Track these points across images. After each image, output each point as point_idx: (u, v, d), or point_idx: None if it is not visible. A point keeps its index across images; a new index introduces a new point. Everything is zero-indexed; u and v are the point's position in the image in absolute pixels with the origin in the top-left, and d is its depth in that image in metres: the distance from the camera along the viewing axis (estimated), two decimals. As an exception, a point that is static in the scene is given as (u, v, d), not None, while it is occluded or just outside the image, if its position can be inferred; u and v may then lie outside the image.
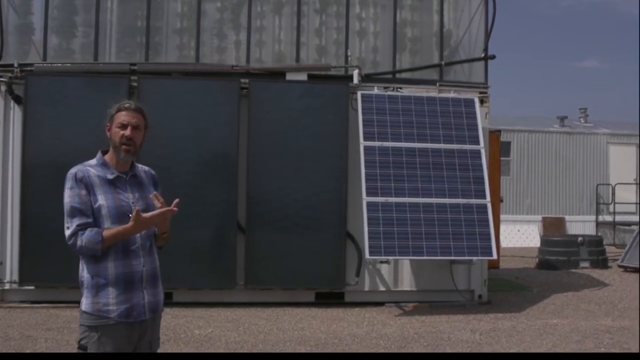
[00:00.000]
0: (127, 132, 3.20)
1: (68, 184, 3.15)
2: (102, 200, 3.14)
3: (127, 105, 3.27)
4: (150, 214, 3.13)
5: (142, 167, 3.40)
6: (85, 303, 3.15)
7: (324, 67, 9.28)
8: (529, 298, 9.79)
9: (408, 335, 7.23)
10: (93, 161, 3.25)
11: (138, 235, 3.17)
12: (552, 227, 19.21)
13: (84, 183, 3.13)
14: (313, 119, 8.90)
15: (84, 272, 3.17)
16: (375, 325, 7.75)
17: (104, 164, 3.22)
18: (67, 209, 3.13)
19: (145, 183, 3.34)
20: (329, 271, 8.84)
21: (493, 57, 9.69)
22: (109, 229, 3.11)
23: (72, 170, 3.18)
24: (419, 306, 8.88)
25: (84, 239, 3.08)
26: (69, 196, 3.13)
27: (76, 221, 3.11)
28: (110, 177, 3.19)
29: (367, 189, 8.51)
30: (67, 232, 3.12)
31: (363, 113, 8.83)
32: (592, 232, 18.82)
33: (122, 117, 3.22)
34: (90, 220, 3.12)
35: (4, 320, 7.56)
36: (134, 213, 3.06)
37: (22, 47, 9.38)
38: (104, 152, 3.28)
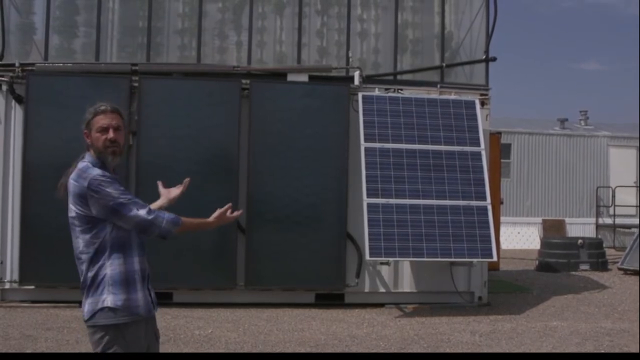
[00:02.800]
0: (110, 134, 3.14)
1: (103, 185, 3.06)
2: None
3: (103, 107, 3.19)
4: (234, 214, 3.38)
5: None
6: (113, 300, 3.07)
7: (325, 68, 9.28)
8: (528, 300, 9.80)
9: (408, 337, 7.23)
10: (89, 164, 3.15)
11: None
12: (552, 229, 19.21)
13: (112, 179, 3.12)
14: (314, 120, 8.91)
15: (105, 269, 3.09)
16: (375, 327, 7.75)
17: (102, 166, 3.17)
18: (123, 200, 3.06)
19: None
20: (329, 272, 8.84)
21: (494, 59, 9.70)
22: (188, 218, 3.23)
23: (94, 173, 3.08)
24: (419, 308, 8.89)
25: (165, 217, 3.13)
26: (115, 190, 3.07)
27: (141, 202, 3.14)
28: (113, 176, 3.20)
29: (367, 190, 8.51)
30: (143, 210, 3.09)
31: (364, 114, 8.83)
32: (592, 235, 18.81)
33: (101, 120, 3.16)
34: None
35: (4, 320, 7.56)
36: (223, 209, 3.29)
37: (23, 47, 9.39)
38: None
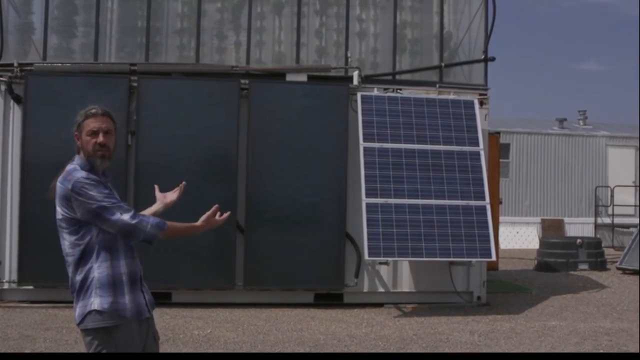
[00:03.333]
0: (100, 138, 3.12)
1: (87, 188, 3.06)
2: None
3: (93, 111, 3.17)
4: (222, 217, 3.28)
5: None
6: (100, 303, 3.06)
7: (324, 68, 9.28)
8: (527, 300, 9.80)
9: (407, 337, 7.24)
10: (77, 167, 3.15)
11: None
12: (551, 229, 19.23)
13: (97, 182, 3.11)
14: (313, 120, 8.91)
15: (92, 273, 3.10)
16: (374, 327, 7.75)
17: (91, 169, 3.16)
18: (107, 204, 3.05)
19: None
20: (328, 272, 8.84)
21: (493, 59, 9.70)
22: (174, 222, 3.17)
23: (78, 175, 3.09)
24: (418, 307, 8.89)
25: (150, 221, 3.09)
26: (99, 193, 3.06)
27: (127, 206, 3.11)
28: (99, 179, 3.18)
29: (366, 190, 8.51)
30: (127, 215, 3.06)
31: (363, 114, 8.84)
32: (590, 234, 18.84)
33: (92, 123, 3.13)
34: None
35: (3, 320, 7.56)
36: (210, 212, 3.21)
37: (22, 47, 9.38)
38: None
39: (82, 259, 3.11)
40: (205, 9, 9.37)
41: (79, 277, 3.11)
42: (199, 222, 3.26)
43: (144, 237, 3.11)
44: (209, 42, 9.45)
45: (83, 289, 3.11)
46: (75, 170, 3.13)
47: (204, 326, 7.54)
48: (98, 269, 3.10)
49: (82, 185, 3.06)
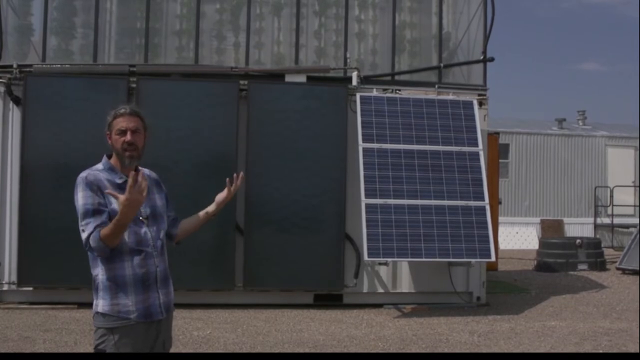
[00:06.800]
0: (128, 137, 3.15)
1: (80, 187, 3.08)
2: (114, 203, 3.07)
3: (122, 110, 3.20)
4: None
5: (144, 171, 3.38)
6: (102, 305, 3.10)
7: (323, 69, 9.28)
8: (527, 300, 9.81)
9: (406, 337, 7.24)
10: (99, 166, 3.20)
11: (150, 236, 3.19)
12: (551, 229, 19.23)
13: (95, 185, 3.09)
14: (312, 121, 8.91)
15: (99, 274, 3.12)
16: (373, 327, 7.75)
17: (111, 169, 3.18)
18: (82, 211, 3.05)
19: (149, 186, 3.29)
20: (328, 273, 8.84)
21: (492, 59, 9.70)
22: (107, 227, 3.02)
23: (83, 174, 3.12)
24: (418, 308, 8.89)
25: (92, 239, 3.01)
26: (83, 198, 3.06)
27: (92, 222, 3.03)
28: (119, 181, 3.15)
29: (365, 191, 8.52)
30: (84, 235, 3.03)
31: (362, 115, 8.84)
32: (590, 235, 18.84)
33: (120, 123, 3.17)
34: (107, 220, 3.05)
35: (2, 322, 7.56)
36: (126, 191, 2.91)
37: (21, 48, 9.38)
38: (109, 156, 3.24)
39: (92, 256, 3.14)
40: (204, 10, 9.37)
41: (93, 273, 3.15)
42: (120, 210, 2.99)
43: (92, 250, 3.05)
44: (208, 43, 9.45)
45: (95, 288, 3.16)
46: (92, 167, 3.18)
47: (204, 327, 7.54)
48: (102, 271, 3.12)
49: (78, 183, 3.11)
